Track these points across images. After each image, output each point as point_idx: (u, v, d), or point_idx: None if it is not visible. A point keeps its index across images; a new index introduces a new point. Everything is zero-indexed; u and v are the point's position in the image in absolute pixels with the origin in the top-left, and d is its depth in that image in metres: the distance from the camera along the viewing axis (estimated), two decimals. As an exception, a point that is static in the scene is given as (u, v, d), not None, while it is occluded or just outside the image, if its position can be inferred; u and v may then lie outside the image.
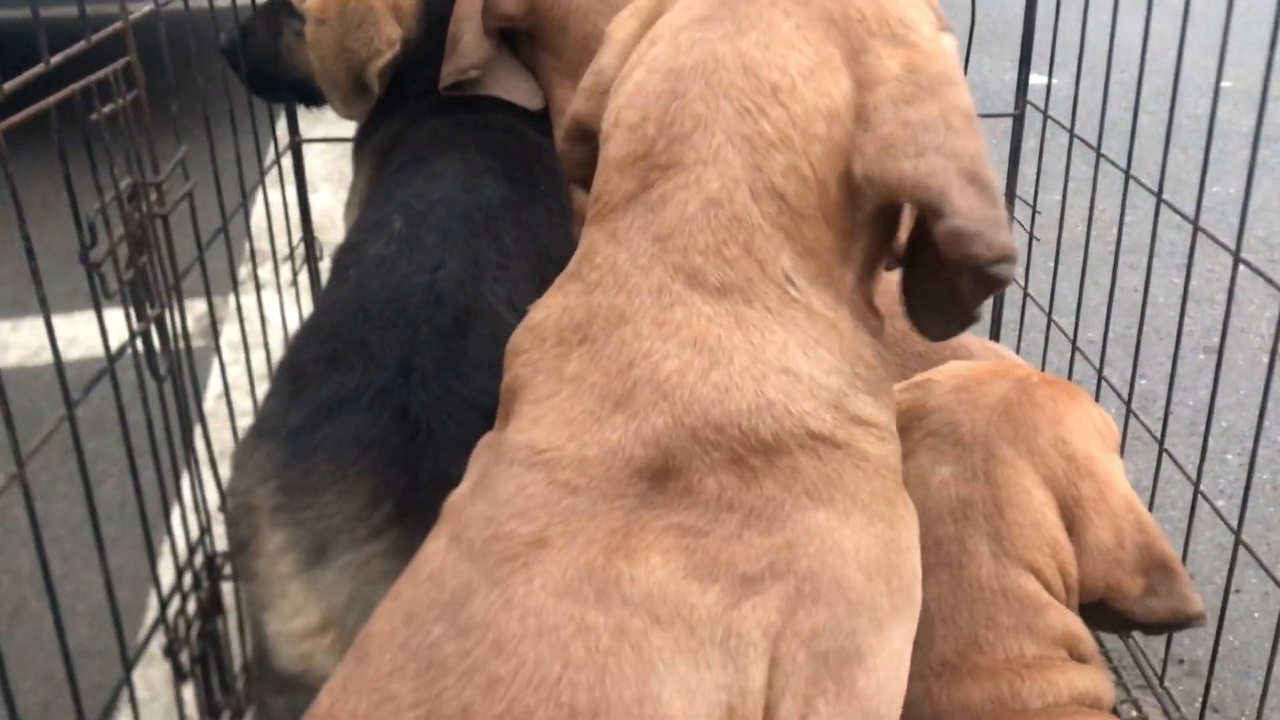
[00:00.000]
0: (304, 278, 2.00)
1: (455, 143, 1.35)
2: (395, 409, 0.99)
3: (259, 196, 1.74)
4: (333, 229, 2.34)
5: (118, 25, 1.21)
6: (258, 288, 1.70)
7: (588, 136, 0.94)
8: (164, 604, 1.36)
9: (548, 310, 0.86)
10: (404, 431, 0.98)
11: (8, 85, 0.96)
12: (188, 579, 1.45)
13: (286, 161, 1.81)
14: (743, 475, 0.78)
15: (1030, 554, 1.06)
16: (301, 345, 1.08)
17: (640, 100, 0.84)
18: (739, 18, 0.83)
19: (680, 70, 0.83)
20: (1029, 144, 1.93)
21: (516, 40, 1.46)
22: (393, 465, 0.97)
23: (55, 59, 1.04)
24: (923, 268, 0.89)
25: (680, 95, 0.82)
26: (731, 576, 0.76)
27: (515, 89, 1.44)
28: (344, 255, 1.21)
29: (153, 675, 1.65)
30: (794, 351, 0.80)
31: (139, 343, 1.26)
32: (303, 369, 1.03)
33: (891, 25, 0.84)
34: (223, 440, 1.99)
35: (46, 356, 2.45)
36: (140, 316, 1.27)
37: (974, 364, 1.20)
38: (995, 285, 0.79)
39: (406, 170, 1.32)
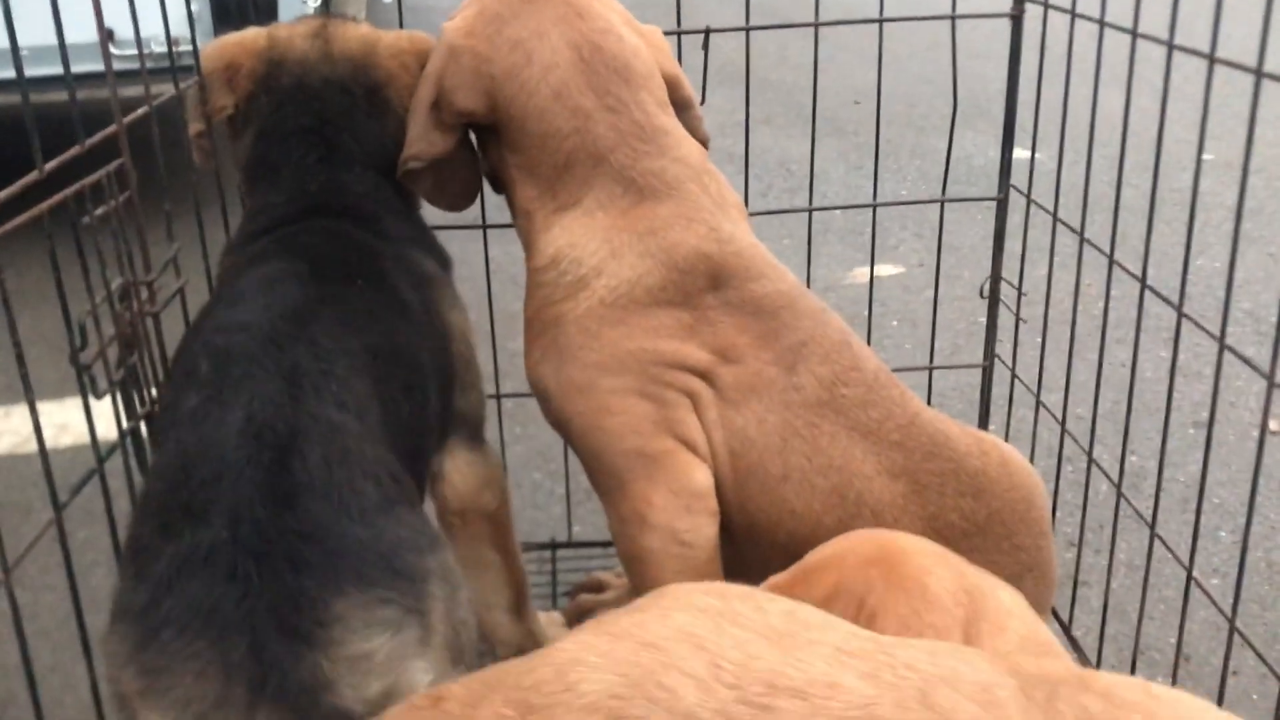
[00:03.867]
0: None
1: (260, 256, 1.30)
2: (225, 569, 0.96)
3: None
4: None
5: (112, 129, 1.23)
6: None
7: None
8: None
9: None
10: (236, 590, 0.95)
11: (2, 194, 0.97)
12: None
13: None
14: None
15: None
16: (137, 521, 1.05)
17: None
18: None
19: None
20: (1014, 220, 1.95)
21: (482, 136, 1.46)
22: (231, 631, 0.94)
23: (49, 165, 1.05)
24: None
25: None
26: None
27: (439, 197, 1.48)
28: (162, 417, 1.16)
29: (141, 771, 1.63)
30: None
31: (128, 440, 1.27)
32: (141, 544, 1.01)
33: None
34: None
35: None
36: (130, 414, 1.27)
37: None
38: None
39: (211, 303, 1.28)
